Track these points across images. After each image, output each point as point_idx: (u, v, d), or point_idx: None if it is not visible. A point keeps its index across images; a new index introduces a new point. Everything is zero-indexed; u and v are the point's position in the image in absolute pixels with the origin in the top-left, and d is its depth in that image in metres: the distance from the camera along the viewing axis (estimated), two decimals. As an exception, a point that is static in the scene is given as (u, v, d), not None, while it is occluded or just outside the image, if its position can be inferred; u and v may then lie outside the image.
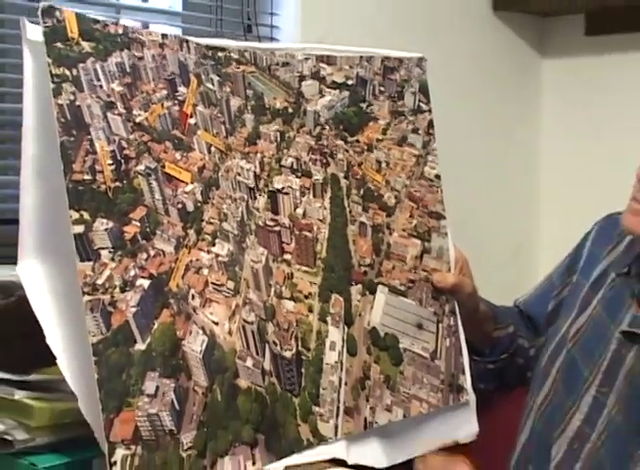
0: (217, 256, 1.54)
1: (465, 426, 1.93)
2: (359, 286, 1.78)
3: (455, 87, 2.85)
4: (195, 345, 1.47)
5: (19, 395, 1.48)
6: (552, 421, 1.83)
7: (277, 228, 1.67)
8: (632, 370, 1.73)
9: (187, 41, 1.59)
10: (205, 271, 1.52)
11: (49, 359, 1.37)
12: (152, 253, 1.45)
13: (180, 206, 1.50)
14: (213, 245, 1.54)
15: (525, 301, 2.13)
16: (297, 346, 1.66)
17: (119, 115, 1.45)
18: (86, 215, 1.37)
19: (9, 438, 1.45)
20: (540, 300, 2.07)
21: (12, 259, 1.41)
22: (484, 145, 3.02)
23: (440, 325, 1.89)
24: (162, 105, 1.52)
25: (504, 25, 3.09)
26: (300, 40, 2.41)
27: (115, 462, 1.33)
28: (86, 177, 1.38)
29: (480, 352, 2.01)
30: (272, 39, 2.51)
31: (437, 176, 1.95)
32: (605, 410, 1.75)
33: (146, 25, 2.33)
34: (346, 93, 1.83)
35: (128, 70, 1.48)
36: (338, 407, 1.69)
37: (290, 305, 1.66)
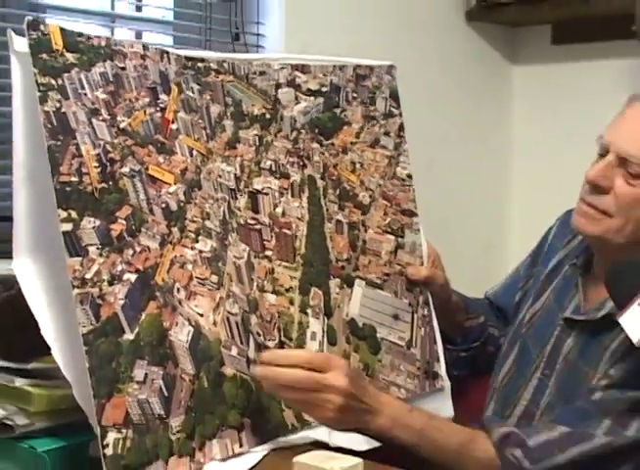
0: (201, 252, 1.55)
1: (440, 410, 1.92)
2: (337, 280, 1.78)
3: (432, 93, 2.87)
4: (181, 335, 1.48)
5: (19, 382, 1.48)
6: (506, 401, 1.84)
7: (258, 226, 1.68)
8: (568, 355, 1.74)
9: (167, 53, 1.60)
10: (190, 266, 1.53)
11: (47, 349, 1.38)
12: (138, 249, 1.45)
13: (164, 205, 1.51)
14: (197, 242, 1.55)
15: (494, 292, 2.14)
16: (280, 336, 1.66)
17: (104, 120, 1.46)
18: (74, 214, 1.38)
19: (10, 423, 1.45)
20: (508, 291, 2.07)
21: (11, 254, 1.41)
22: (459, 147, 3.03)
23: (415, 315, 1.89)
24: (145, 111, 1.52)
25: (477, 35, 3.11)
26: (285, 47, 2.43)
27: (108, 444, 1.34)
28: (73, 179, 1.39)
29: (453, 341, 2.02)
30: (258, 46, 2.53)
31: (409, 176, 1.96)
32: (547, 391, 1.76)
33: (139, 34, 2.34)
34: (321, 99, 1.83)
35: (111, 79, 1.48)
36: (320, 394, 1.70)
37: (272, 298, 1.67)
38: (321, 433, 1.66)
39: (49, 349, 1.38)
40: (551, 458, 1.57)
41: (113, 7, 2.37)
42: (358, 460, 1.47)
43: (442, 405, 1.94)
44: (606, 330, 1.67)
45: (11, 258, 1.43)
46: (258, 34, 2.56)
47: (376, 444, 1.72)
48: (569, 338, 1.77)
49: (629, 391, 1.58)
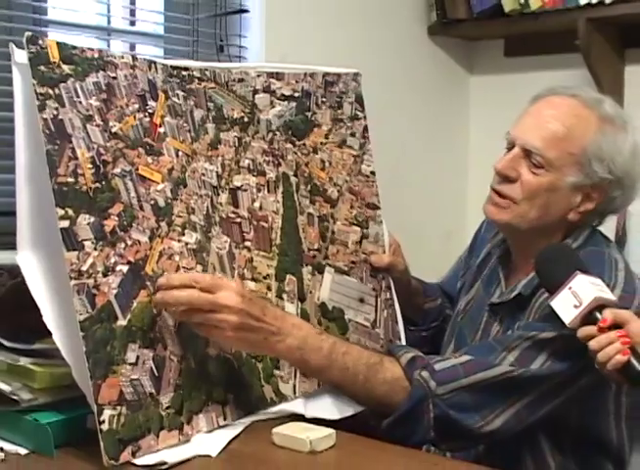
0: (187, 244, 1.54)
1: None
2: (309, 267, 1.78)
3: (397, 100, 2.87)
4: (169, 320, 1.47)
5: (23, 361, 1.47)
6: None
7: (238, 220, 1.67)
8: (496, 337, 1.74)
9: (155, 63, 1.59)
10: (177, 257, 1.52)
11: (49, 331, 1.37)
12: (129, 242, 1.45)
13: (153, 202, 1.50)
14: (183, 235, 1.54)
15: (442, 280, 2.14)
16: (259, 319, 1.66)
17: (97, 126, 1.45)
18: (70, 212, 1.37)
19: (15, 397, 1.44)
20: (452, 280, 2.08)
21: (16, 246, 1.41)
22: (422, 148, 3.04)
23: (379, 299, 1.90)
24: (135, 117, 1.51)
25: (438, 48, 3.12)
26: (265, 57, 2.42)
27: (104, 421, 1.34)
28: (69, 180, 1.38)
29: (414, 322, 2.02)
30: (241, 57, 2.53)
31: (373, 173, 1.95)
32: None
33: (133, 46, 2.33)
34: (294, 104, 1.83)
35: (104, 87, 1.47)
36: (295, 370, 1.70)
37: (251, 284, 1.66)
38: (298, 405, 1.67)
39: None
40: (456, 381, 1.56)
41: (109, 22, 2.37)
42: (331, 431, 1.49)
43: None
44: (520, 309, 1.68)
45: (14, 249, 1.42)
46: (241, 46, 2.56)
47: (347, 413, 1.73)
48: (495, 322, 1.77)
49: (534, 331, 1.57)
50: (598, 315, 1.41)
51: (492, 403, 1.56)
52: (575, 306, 1.43)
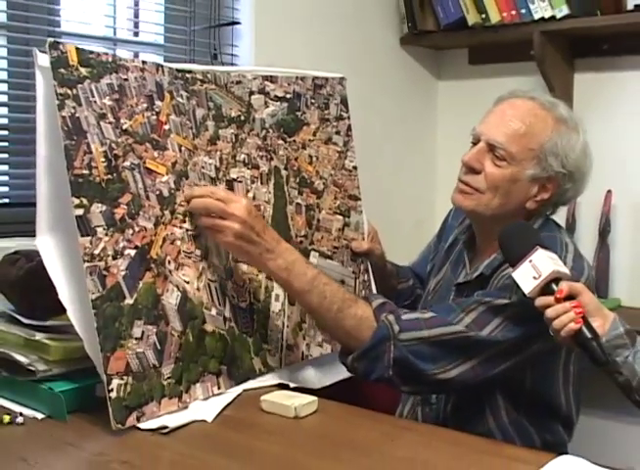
0: (187, 230, 1.51)
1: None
2: None
3: (373, 103, 2.85)
4: (171, 298, 1.45)
5: (39, 336, 1.46)
6: None
7: (233, 208, 1.65)
8: None
9: (162, 66, 1.55)
10: (179, 242, 1.49)
11: (61, 309, 1.36)
12: (136, 229, 1.42)
13: (158, 192, 1.47)
14: (184, 222, 1.51)
15: (413, 263, 2.12)
16: (250, 298, 1.64)
17: (110, 123, 1.41)
18: (85, 201, 1.34)
19: (32, 368, 1.43)
20: (422, 263, 2.06)
21: (33, 233, 1.38)
22: (395, 146, 3.02)
23: (357, 281, 1.88)
24: (143, 115, 1.48)
25: (409, 56, 3.09)
26: (255, 65, 2.39)
27: (112, 389, 1.32)
28: (84, 172, 1.35)
29: None
30: (233, 64, 2.50)
31: (355, 168, 1.93)
32: None
33: (136, 54, 2.31)
34: (286, 104, 1.79)
35: (116, 88, 1.44)
36: (281, 344, 1.68)
37: (244, 267, 1.63)
38: (283, 376, 1.66)
39: (63, 309, 1.36)
40: (417, 331, 1.54)
41: (115, 33, 2.34)
42: (314, 398, 1.48)
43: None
44: (482, 288, 1.65)
45: (31, 236, 1.40)
46: (233, 55, 2.52)
47: (328, 382, 1.72)
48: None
49: (490, 298, 1.56)
50: (554, 287, 1.40)
51: (447, 357, 1.54)
52: (535, 278, 1.41)
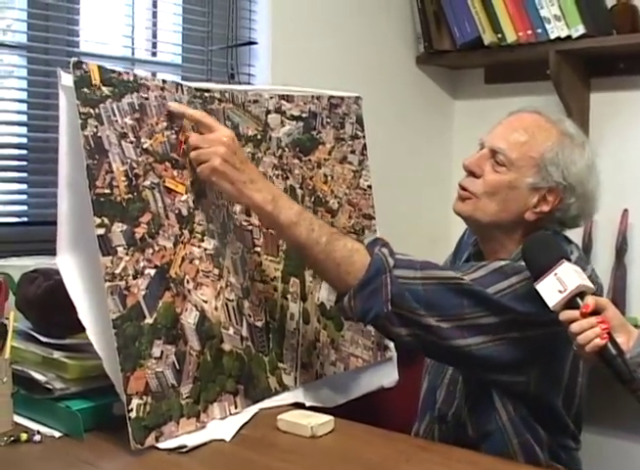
0: (205, 249, 1.54)
1: (389, 375, 1.96)
2: (311, 271, 1.78)
3: (389, 121, 2.88)
4: (190, 318, 1.47)
5: (56, 354, 1.48)
6: (437, 372, 1.81)
7: (250, 227, 1.67)
8: None
9: (181, 85, 1.58)
10: (197, 262, 1.51)
11: (79, 328, 1.38)
12: (156, 248, 1.44)
13: (177, 211, 1.49)
14: (202, 241, 1.53)
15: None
16: (266, 317, 1.66)
17: (131, 142, 1.44)
18: (106, 220, 1.36)
19: (50, 387, 1.45)
20: None
21: (51, 252, 1.41)
22: (410, 165, 3.06)
23: None
24: (163, 134, 1.50)
25: (425, 75, 3.12)
26: (271, 84, 2.42)
27: (132, 409, 1.34)
28: (106, 191, 1.37)
29: None
30: (249, 84, 2.53)
31: (369, 187, 1.96)
32: None
33: (154, 74, 2.33)
34: (301, 123, 1.82)
35: (137, 107, 1.46)
36: (296, 363, 1.71)
37: (260, 286, 1.66)
38: (298, 395, 1.68)
39: (81, 328, 1.38)
40: (412, 269, 1.54)
41: (133, 53, 2.38)
42: (330, 417, 1.50)
43: (390, 371, 1.97)
44: None
45: (49, 254, 1.43)
46: (250, 74, 2.56)
47: (342, 401, 1.74)
48: None
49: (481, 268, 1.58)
50: (579, 301, 1.40)
51: (441, 304, 1.52)
52: (560, 291, 1.41)
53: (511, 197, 1.68)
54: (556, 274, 1.43)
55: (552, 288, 1.43)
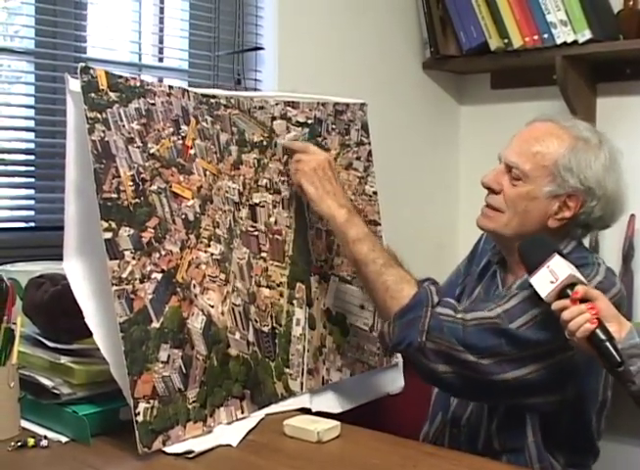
0: (212, 254, 1.55)
1: (394, 382, 1.97)
2: (317, 276, 1.80)
3: (395, 127, 2.89)
4: (196, 323, 1.49)
5: (64, 359, 1.49)
6: None
7: (256, 233, 1.69)
8: None
9: (187, 91, 1.59)
10: (203, 266, 1.53)
11: (86, 333, 1.39)
12: (163, 252, 1.46)
13: (184, 216, 1.51)
14: (209, 246, 1.55)
15: (441, 287, 2.14)
16: (273, 322, 1.68)
17: (138, 147, 1.45)
18: (113, 225, 1.38)
19: (57, 391, 1.46)
20: (451, 286, 2.07)
21: (58, 257, 1.42)
22: (417, 171, 3.06)
23: None
24: (170, 139, 1.52)
25: (431, 81, 3.13)
26: (277, 90, 2.43)
27: (139, 413, 1.35)
28: (113, 195, 1.39)
29: None
30: (256, 90, 2.55)
31: (375, 193, 1.97)
32: None
33: (161, 80, 2.35)
34: (307, 129, 1.83)
35: (144, 113, 1.48)
36: (302, 369, 1.72)
37: (266, 291, 1.68)
38: (304, 400, 1.69)
39: (88, 333, 1.39)
40: (453, 310, 1.59)
41: (140, 58, 2.40)
42: (336, 423, 1.51)
43: (396, 378, 1.98)
44: None
45: (56, 259, 1.44)
46: (256, 80, 2.58)
47: (348, 407, 1.75)
48: None
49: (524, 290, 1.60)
50: (570, 292, 1.44)
51: (480, 343, 1.56)
52: (552, 282, 1.46)
53: (531, 207, 1.71)
54: (548, 267, 1.49)
55: (545, 280, 1.48)
